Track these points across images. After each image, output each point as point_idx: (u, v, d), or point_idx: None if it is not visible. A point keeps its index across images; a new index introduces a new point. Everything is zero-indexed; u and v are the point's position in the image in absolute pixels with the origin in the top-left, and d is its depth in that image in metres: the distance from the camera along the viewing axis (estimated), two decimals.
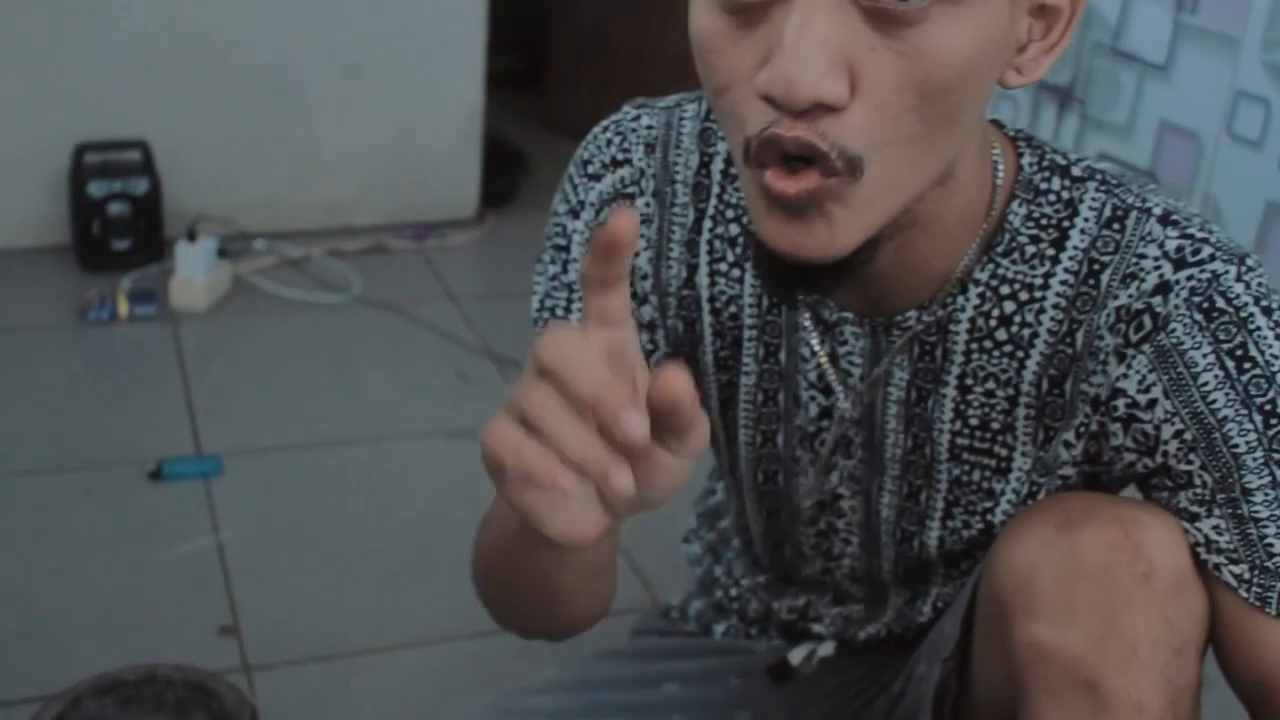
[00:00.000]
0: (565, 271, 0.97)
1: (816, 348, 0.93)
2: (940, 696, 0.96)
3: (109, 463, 1.89)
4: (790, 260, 0.76)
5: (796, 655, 1.15)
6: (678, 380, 0.62)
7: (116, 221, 2.45)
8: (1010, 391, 0.89)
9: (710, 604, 1.23)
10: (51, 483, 1.84)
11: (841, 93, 0.69)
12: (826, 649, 1.14)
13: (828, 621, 1.12)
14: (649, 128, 0.96)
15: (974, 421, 0.91)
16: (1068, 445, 0.89)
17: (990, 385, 0.90)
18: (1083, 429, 0.87)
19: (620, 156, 0.96)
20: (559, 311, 0.97)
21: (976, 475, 0.93)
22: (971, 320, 0.88)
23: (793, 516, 1.05)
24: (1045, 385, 0.88)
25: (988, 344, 0.89)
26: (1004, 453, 0.92)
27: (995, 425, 0.91)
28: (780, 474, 1.03)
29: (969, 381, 0.90)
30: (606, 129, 0.97)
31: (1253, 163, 1.95)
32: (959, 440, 0.93)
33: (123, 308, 2.31)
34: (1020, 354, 0.88)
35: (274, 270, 2.54)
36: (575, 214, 0.97)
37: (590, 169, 0.97)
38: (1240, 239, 1.89)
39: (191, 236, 2.35)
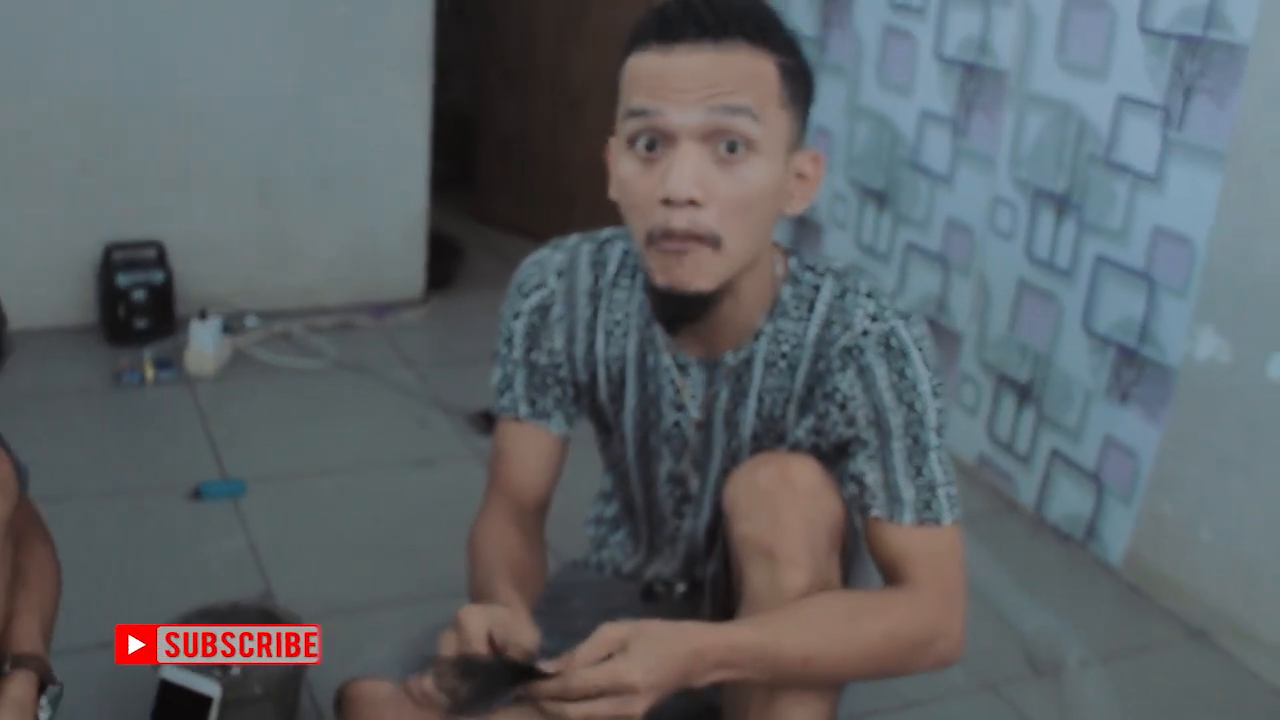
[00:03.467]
0: (511, 353, 1.62)
1: (676, 379, 1.58)
2: (714, 582, 1.61)
3: (158, 489, 2.50)
4: (673, 297, 1.40)
5: (659, 588, 1.79)
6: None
7: (138, 305, 3.06)
8: (786, 395, 1.54)
9: (601, 560, 1.87)
10: (114, 504, 2.44)
11: (701, 195, 1.33)
12: (680, 589, 1.77)
13: (675, 580, 1.75)
14: (558, 261, 1.60)
15: (765, 415, 1.56)
16: (804, 423, 1.54)
17: (775, 396, 1.54)
18: (818, 412, 1.52)
19: (540, 281, 1.60)
20: (504, 387, 1.62)
21: (767, 443, 1.57)
22: (765, 357, 1.53)
23: (658, 490, 1.69)
24: (804, 390, 1.53)
25: (774, 370, 1.52)
26: (780, 433, 1.56)
27: (777, 414, 1.55)
28: (652, 461, 1.67)
29: (763, 393, 1.54)
30: (533, 263, 1.62)
31: (1008, 250, 2.64)
32: (756, 430, 1.57)
33: (149, 373, 2.92)
34: (791, 374, 1.52)
35: (265, 342, 3.16)
36: (516, 318, 1.61)
37: (523, 290, 1.61)
38: (1000, 307, 2.56)
39: (203, 316, 2.97)
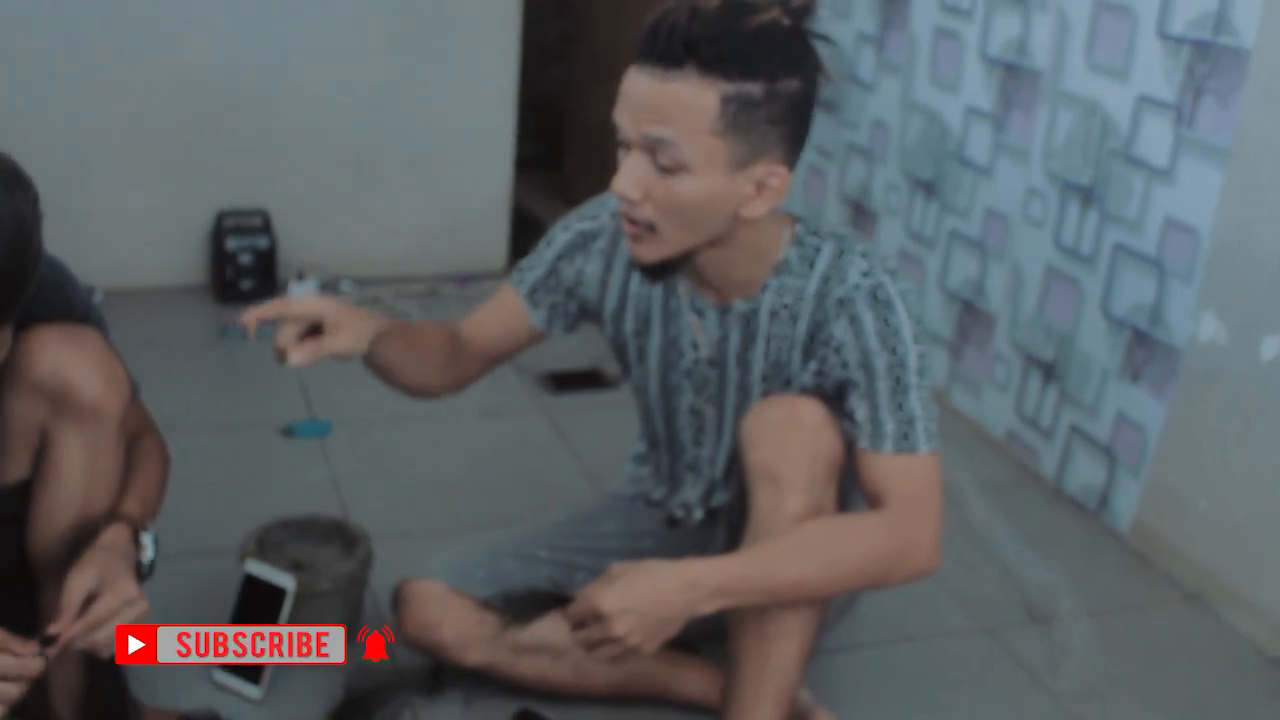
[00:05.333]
0: (545, 251, 1.88)
1: (693, 321, 1.82)
2: (730, 509, 1.84)
3: (255, 427, 2.79)
4: (635, 263, 1.66)
5: (680, 513, 2.03)
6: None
7: (244, 267, 3.37)
8: (790, 343, 1.76)
9: (635, 492, 2.11)
10: (215, 438, 2.74)
11: (635, 196, 1.57)
12: (698, 515, 2.01)
13: (694, 507, 1.99)
14: (614, 204, 1.83)
15: (772, 360, 1.78)
16: (809, 367, 1.76)
17: (781, 342, 1.77)
18: (818, 357, 1.74)
19: (596, 214, 1.86)
20: (525, 269, 1.89)
21: (775, 386, 1.80)
22: (770, 308, 1.76)
23: (679, 421, 1.93)
24: (806, 338, 1.75)
25: (779, 319, 1.75)
26: (787, 375, 1.79)
27: (782, 360, 1.78)
28: (673, 396, 1.91)
29: (770, 339, 1.76)
30: (597, 200, 1.88)
31: (1038, 238, 2.84)
32: (765, 371, 1.80)
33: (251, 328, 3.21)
34: (794, 323, 1.74)
35: (357, 305, 3.44)
36: (564, 230, 1.88)
37: (580, 215, 1.88)
38: (1030, 291, 2.75)
39: (300, 277, 3.26)
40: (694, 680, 1.97)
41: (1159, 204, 2.49)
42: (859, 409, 1.68)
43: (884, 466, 1.66)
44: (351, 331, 1.64)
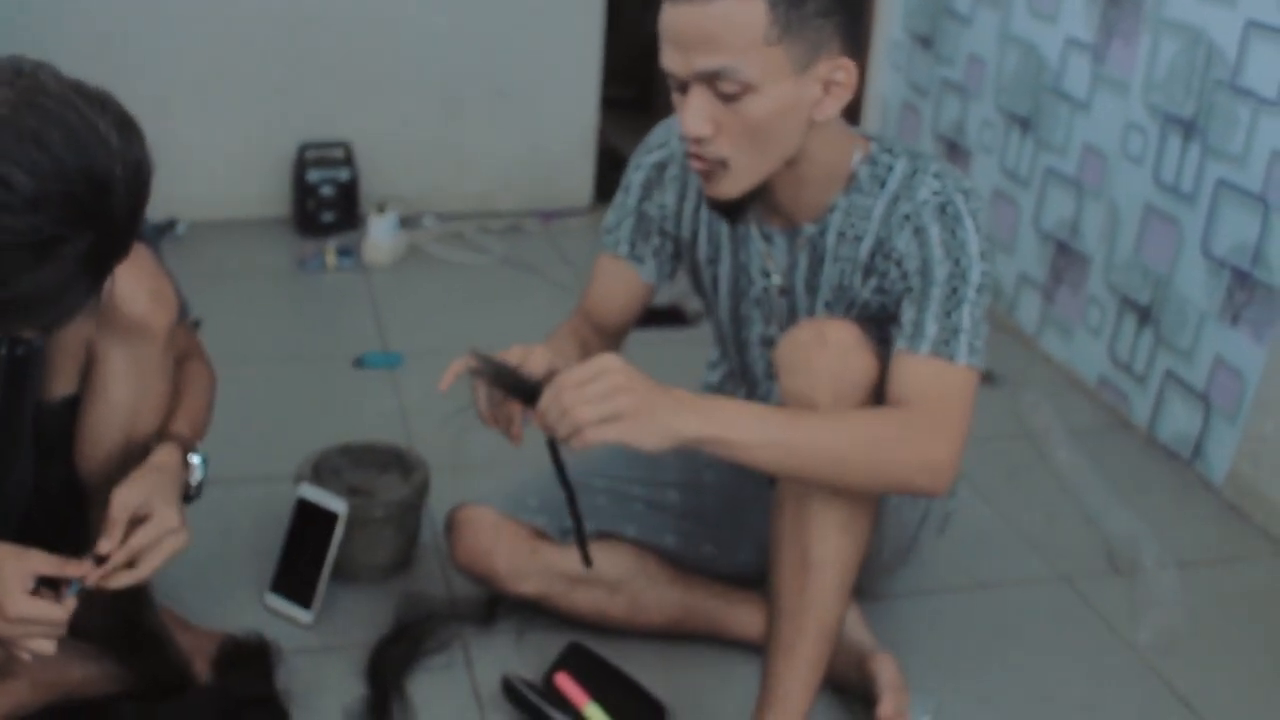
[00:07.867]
0: (626, 199, 1.82)
1: (762, 248, 1.75)
2: None
3: (327, 357, 2.78)
4: (710, 200, 1.59)
5: None
6: None
7: (325, 200, 3.36)
8: (854, 263, 1.68)
9: None
10: (288, 367, 2.73)
11: (707, 132, 1.48)
12: None
13: None
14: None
15: (836, 283, 1.70)
16: (869, 284, 1.68)
17: (845, 264, 1.69)
18: (879, 271, 1.65)
19: (664, 141, 1.79)
20: (613, 227, 1.82)
21: (839, 312, 1.71)
22: (839, 229, 1.68)
23: (750, 353, 1.86)
24: (867, 257, 1.67)
25: (845, 239, 1.67)
26: (850, 298, 1.70)
27: (846, 283, 1.70)
28: (744, 326, 1.84)
29: (836, 261, 1.68)
30: (663, 125, 1.81)
31: (1137, 175, 2.71)
32: (829, 297, 1.72)
33: (330, 260, 3.21)
34: (859, 242, 1.66)
35: (439, 239, 3.42)
36: (636, 170, 1.81)
37: (648, 146, 1.81)
38: (1127, 230, 2.62)
39: (381, 210, 3.24)
40: (748, 618, 1.91)
41: (1266, 136, 2.35)
42: (906, 311, 1.59)
43: (915, 367, 1.55)
44: (541, 353, 1.58)
